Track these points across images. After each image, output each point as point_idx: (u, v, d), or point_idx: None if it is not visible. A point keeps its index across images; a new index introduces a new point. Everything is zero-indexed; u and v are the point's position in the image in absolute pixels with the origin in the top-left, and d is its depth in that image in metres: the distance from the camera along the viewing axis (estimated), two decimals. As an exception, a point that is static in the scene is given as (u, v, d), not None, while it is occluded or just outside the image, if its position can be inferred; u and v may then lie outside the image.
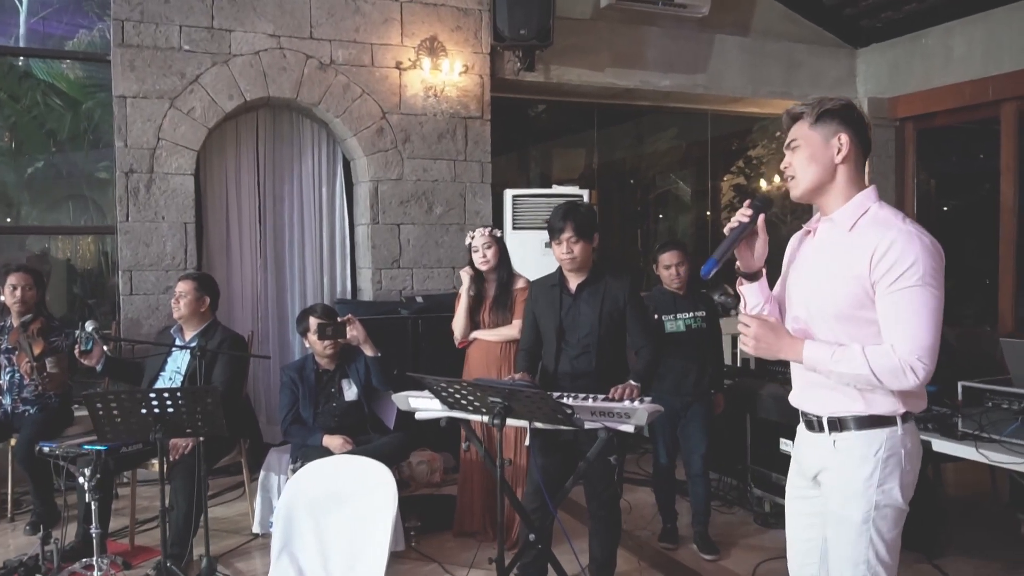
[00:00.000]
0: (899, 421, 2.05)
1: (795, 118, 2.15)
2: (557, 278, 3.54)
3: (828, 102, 2.10)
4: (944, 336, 4.95)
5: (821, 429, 2.13)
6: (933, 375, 3.74)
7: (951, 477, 5.23)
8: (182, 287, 4.33)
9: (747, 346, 2.10)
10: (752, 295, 2.26)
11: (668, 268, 4.31)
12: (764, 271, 2.24)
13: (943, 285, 1.98)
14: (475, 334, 4.32)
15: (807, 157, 2.10)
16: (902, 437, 2.05)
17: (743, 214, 2.17)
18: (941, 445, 3.44)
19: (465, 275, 4.27)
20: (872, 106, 7.49)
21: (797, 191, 2.14)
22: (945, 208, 8.20)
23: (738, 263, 2.25)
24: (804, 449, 2.23)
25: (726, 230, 2.20)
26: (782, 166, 2.18)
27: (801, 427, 2.24)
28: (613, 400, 3.13)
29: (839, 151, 2.07)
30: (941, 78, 7.02)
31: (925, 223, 6.77)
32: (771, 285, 2.32)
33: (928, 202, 7.88)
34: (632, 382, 3.30)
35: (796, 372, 2.23)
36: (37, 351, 4.52)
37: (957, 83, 6.85)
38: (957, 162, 8.12)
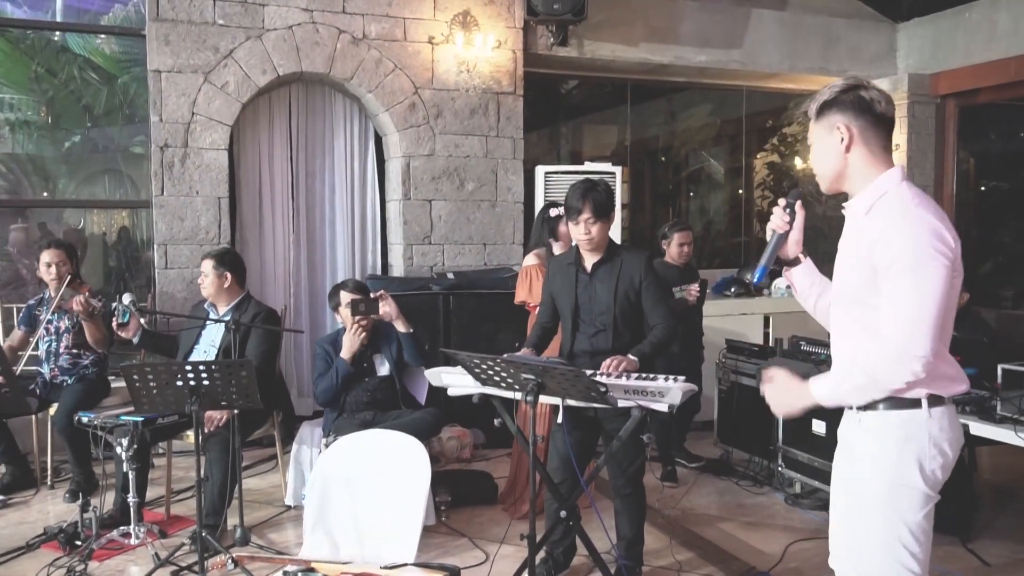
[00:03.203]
0: (925, 404, 2.00)
1: (808, 117, 2.19)
2: (573, 256, 3.52)
3: (826, 92, 2.11)
4: (983, 318, 4.87)
5: (851, 407, 2.14)
6: (973, 358, 3.68)
7: (987, 461, 5.17)
8: (203, 267, 4.39)
9: (772, 408, 2.18)
10: (798, 280, 2.30)
11: (681, 246, 5.07)
12: (805, 256, 2.28)
13: (947, 268, 1.91)
14: None
15: (817, 154, 2.14)
16: (928, 421, 2.00)
17: (783, 220, 2.22)
18: (979, 428, 3.39)
19: None
20: (913, 82, 7.34)
21: (822, 186, 2.18)
22: (983, 188, 8.03)
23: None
24: (842, 426, 2.24)
25: (768, 233, 2.25)
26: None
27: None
28: (608, 374, 3.11)
29: (842, 140, 2.07)
30: (985, 53, 6.85)
31: (963, 203, 6.67)
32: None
33: (967, 181, 7.71)
34: (630, 356, 3.25)
35: (833, 353, 2.23)
36: (84, 290, 4.58)
37: (1001, 59, 6.68)
38: (997, 141, 7.93)
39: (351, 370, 4.23)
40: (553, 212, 4.40)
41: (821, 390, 2.06)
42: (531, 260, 4.41)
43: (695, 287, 4.98)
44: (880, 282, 1.97)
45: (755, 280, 2.27)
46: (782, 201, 2.24)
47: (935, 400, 2.01)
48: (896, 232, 1.95)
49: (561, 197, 6.02)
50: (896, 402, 2.02)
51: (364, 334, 4.22)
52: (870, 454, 2.06)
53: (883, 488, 2.02)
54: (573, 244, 4.21)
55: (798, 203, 2.22)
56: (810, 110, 2.14)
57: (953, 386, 2.04)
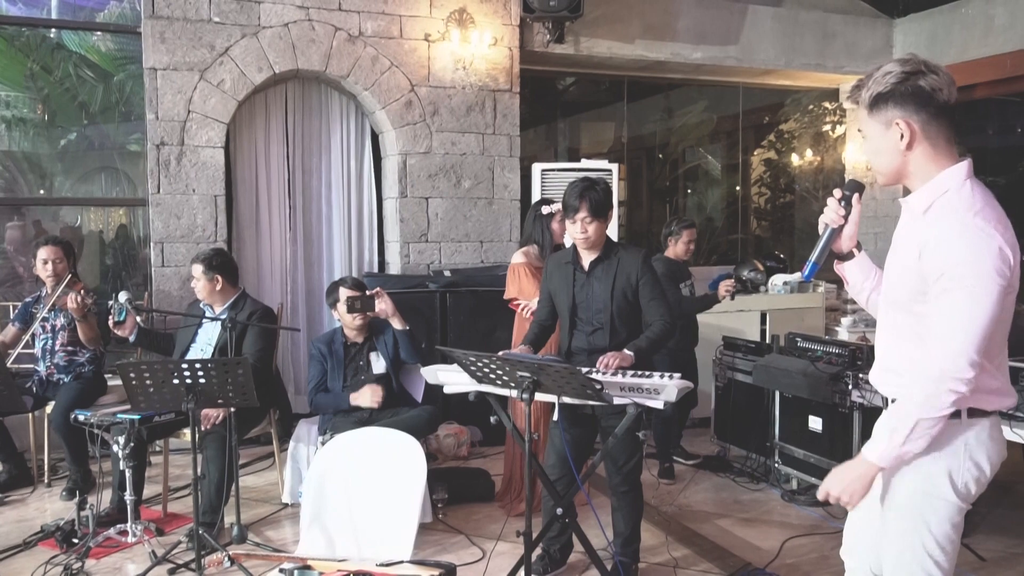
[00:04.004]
0: (964, 415, 1.90)
1: (857, 104, 2.00)
2: (571, 255, 3.52)
3: (880, 81, 1.90)
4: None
5: (887, 407, 2.08)
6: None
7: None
8: (193, 271, 4.38)
9: (842, 502, 1.98)
10: (851, 274, 2.18)
11: (688, 243, 5.13)
12: (859, 249, 2.16)
13: (1001, 289, 1.79)
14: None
15: (873, 150, 1.97)
16: (966, 433, 1.91)
17: (838, 213, 2.07)
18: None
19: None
20: (909, 79, 7.33)
21: (881, 181, 2.02)
22: (981, 183, 8.04)
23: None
24: (877, 424, 2.17)
25: (821, 227, 2.12)
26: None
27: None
28: (604, 372, 3.10)
29: (902, 137, 1.88)
30: (981, 49, 6.85)
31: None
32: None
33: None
34: (626, 351, 3.23)
35: (877, 351, 2.15)
36: (78, 288, 4.58)
37: (998, 54, 6.69)
38: (994, 136, 7.95)
39: (350, 409, 4.21)
40: (545, 210, 4.38)
41: (875, 451, 1.92)
42: (518, 258, 4.40)
43: (731, 281, 4.99)
44: (928, 292, 1.86)
45: (805, 277, 2.13)
46: (837, 192, 2.08)
47: (977, 413, 1.91)
48: (951, 244, 1.80)
49: (558, 194, 6.07)
50: None
51: (380, 400, 4.16)
52: None
53: (912, 496, 1.95)
54: (571, 243, 4.25)
55: (855, 196, 2.07)
56: (861, 99, 1.94)
57: (998, 400, 1.94)
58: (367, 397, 4.13)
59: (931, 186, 1.91)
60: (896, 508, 1.99)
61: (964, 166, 1.90)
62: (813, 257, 2.10)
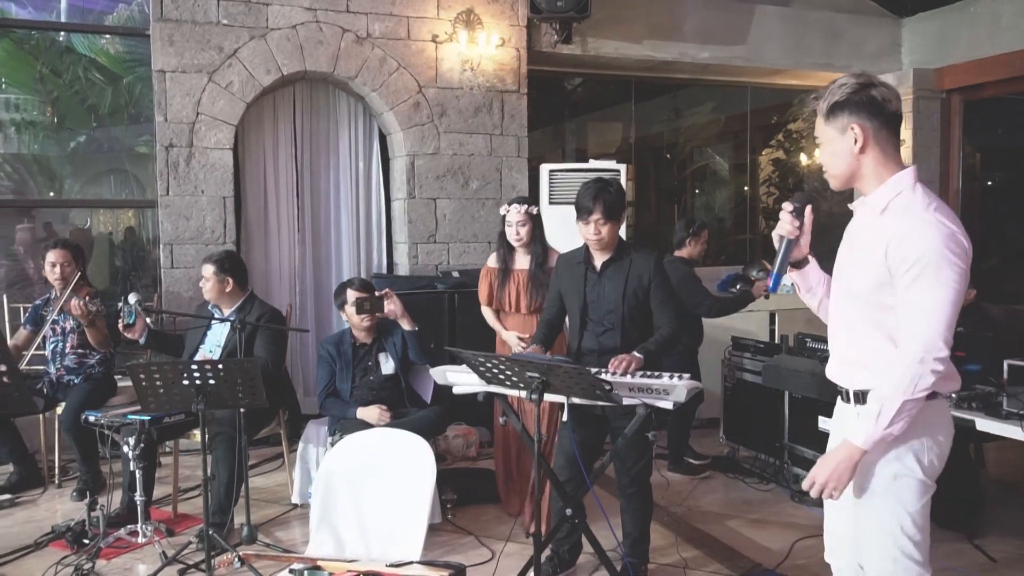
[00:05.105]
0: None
1: (815, 114, 2.16)
2: (583, 255, 3.51)
3: (836, 91, 2.08)
4: (989, 313, 4.86)
5: (848, 401, 2.19)
6: (978, 354, 3.70)
7: (994, 456, 5.16)
8: (204, 271, 4.38)
9: (828, 490, 2.06)
10: (803, 279, 2.32)
11: (704, 243, 5.22)
12: (810, 257, 2.29)
13: (962, 273, 1.95)
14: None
15: (830, 154, 2.13)
16: (925, 414, 2.03)
17: (794, 225, 2.18)
18: (985, 424, 3.38)
19: (517, 344, 4.19)
20: (917, 77, 7.32)
21: (834, 184, 2.17)
22: (990, 182, 8.01)
23: None
24: (838, 419, 2.28)
25: (775, 240, 2.22)
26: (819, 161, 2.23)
27: (839, 398, 2.29)
28: (615, 373, 3.10)
29: (856, 141, 2.06)
30: (989, 48, 6.83)
31: (968, 197, 6.68)
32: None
33: (972, 176, 7.69)
34: (635, 353, 3.23)
35: (832, 346, 2.27)
36: (83, 293, 4.60)
37: (1006, 53, 6.66)
38: (1003, 135, 7.91)
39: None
40: (502, 211, 4.33)
41: (860, 436, 2.01)
42: (489, 261, 4.42)
43: (768, 280, 4.98)
44: (895, 284, 2.00)
45: (771, 289, 2.25)
46: (788, 205, 2.21)
47: (932, 395, 2.04)
48: (914, 237, 1.96)
49: (566, 195, 6.07)
50: None
51: (387, 421, 4.09)
52: None
53: (884, 479, 2.07)
54: (515, 244, 4.22)
55: (808, 207, 2.20)
56: (819, 108, 2.12)
57: (949, 384, 2.08)
58: (374, 416, 4.11)
59: (885, 188, 2.08)
60: (871, 494, 2.10)
61: (911, 171, 2.08)
62: (775, 269, 2.23)
